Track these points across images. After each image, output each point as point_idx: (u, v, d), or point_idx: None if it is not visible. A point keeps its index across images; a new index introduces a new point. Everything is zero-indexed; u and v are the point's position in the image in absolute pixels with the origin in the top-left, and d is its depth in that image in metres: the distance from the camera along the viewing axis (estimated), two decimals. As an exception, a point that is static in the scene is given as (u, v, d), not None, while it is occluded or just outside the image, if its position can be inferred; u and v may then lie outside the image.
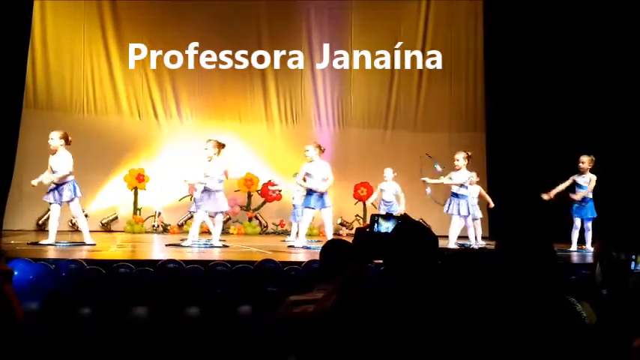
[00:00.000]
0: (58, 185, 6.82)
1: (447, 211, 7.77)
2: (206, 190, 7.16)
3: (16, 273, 3.41)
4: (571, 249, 7.78)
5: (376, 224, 2.29)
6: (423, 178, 7.84)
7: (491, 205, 8.94)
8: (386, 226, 2.28)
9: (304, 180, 7.59)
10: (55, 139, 6.87)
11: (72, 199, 6.87)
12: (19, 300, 2.97)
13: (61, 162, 6.80)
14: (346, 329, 2.26)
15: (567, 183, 7.95)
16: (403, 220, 2.24)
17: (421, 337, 2.11)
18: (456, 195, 7.77)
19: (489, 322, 1.95)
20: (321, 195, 7.41)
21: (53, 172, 6.84)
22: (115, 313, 3.24)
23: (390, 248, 2.15)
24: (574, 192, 7.90)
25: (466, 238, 8.07)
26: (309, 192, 7.46)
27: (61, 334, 3.03)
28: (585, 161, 7.80)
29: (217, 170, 7.21)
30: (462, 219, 7.75)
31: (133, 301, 3.31)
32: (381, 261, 2.26)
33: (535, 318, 1.64)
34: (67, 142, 6.94)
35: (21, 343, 2.67)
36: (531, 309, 1.65)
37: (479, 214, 8.48)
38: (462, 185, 7.70)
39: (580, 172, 7.87)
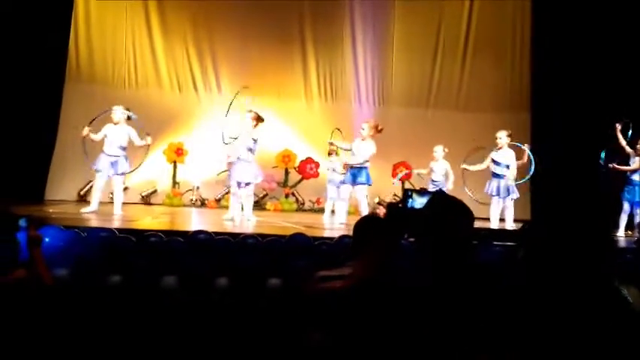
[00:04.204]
0: (112, 157, 7.09)
1: (487, 191, 7.62)
2: (238, 159, 7.21)
3: (47, 240, 3.45)
4: (618, 233, 7.52)
5: (410, 199, 2.19)
6: (464, 166, 7.81)
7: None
8: (420, 202, 2.18)
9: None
10: (120, 113, 7.31)
11: (125, 172, 7.17)
12: (50, 266, 2.99)
13: (123, 134, 7.25)
14: (374, 305, 2.19)
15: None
16: (438, 196, 2.13)
17: (452, 317, 2.02)
18: (496, 175, 7.62)
19: (528, 305, 1.84)
20: (356, 172, 7.37)
21: (110, 140, 7.24)
22: (145, 281, 3.23)
23: (423, 225, 2.04)
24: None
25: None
26: (350, 169, 7.48)
27: (89, 300, 3.04)
28: None
29: (250, 141, 7.23)
30: (501, 199, 7.58)
31: (163, 270, 3.30)
32: (413, 238, 2.17)
33: (580, 302, 1.53)
34: (128, 117, 7.38)
35: (50, 308, 2.67)
36: (577, 293, 1.54)
37: (517, 194, 8.18)
38: (508, 165, 7.57)
39: (635, 154, 7.60)
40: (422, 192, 2.21)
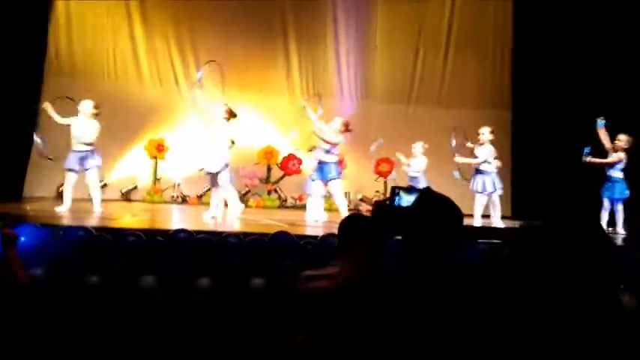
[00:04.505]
0: (80, 152, 6.96)
1: (473, 187, 7.62)
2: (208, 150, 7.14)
3: (23, 239, 3.35)
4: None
5: (397, 197, 2.14)
6: (457, 158, 7.77)
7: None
8: (407, 200, 2.13)
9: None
10: (87, 106, 7.16)
11: (93, 167, 6.99)
12: (25, 265, 2.90)
13: (89, 129, 7.07)
14: (361, 305, 2.14)
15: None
16: (426, 193, 2.08)
17: (438, 316, 1.98)
18: (480, 171, 7.63)
19: (515, 305, 1.81)
20: (324, 166, 7.34)
21: (75, 136, 7.06)
22: (123, 281, 3.14)
23: (411, 223, 1.99)
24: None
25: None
26: (318, 163, 7.44)
27: (66, 300, 2.95)
28: (622, 140, 7.53)
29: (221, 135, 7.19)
30: (486, 196, 7.59)
31: (142, 270, 3.21)
32: (400, 237, 2.12)
33: (575, 302, 1.50)
34: (98, 114, 7.23)
35: (25, 308, 2.59)
36: (573, 294, 1.50)
37: (501, 190, 8.21)
38: (485, 161, 7.56)
39: (614, 150, 7.61)
40: (409, 189, 2.15)
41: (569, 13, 9.76)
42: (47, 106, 7.07)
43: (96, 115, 7.18)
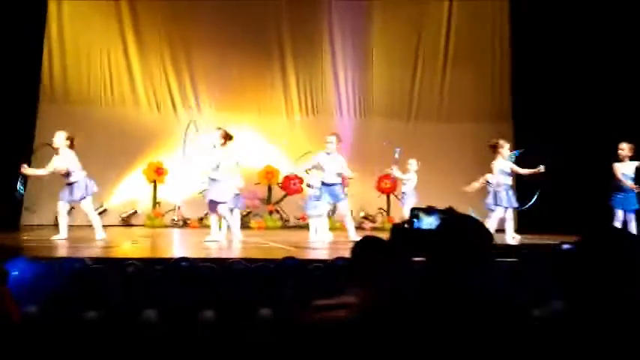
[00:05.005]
0: (70, 184, 6.76)
1: (495, 203, 7.39)
2: (211, 180, 6.96)
3: (15, 273, 3.18)
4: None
5: (417, 219, 1.99)
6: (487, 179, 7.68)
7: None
8: (428, 221, 1.97)
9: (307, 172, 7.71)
10: (60, 138, 6.85)
11: (83, 198, 6.78)
12: (18, 302, 2.73)
13: (61, 161, 6.77)
14: (378, 338, 1.98)
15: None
16: (449, 214, 1.93)
17: (470, 343, 1.83)
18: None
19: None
20: (332, 188, 7.22)
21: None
22: (123, 316, 2.97)
23: (436, 247, 1.83)
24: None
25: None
26: (323, 185, 7.32)
27: (62, 339, 2.77)
28: (625, 148, 7.37)
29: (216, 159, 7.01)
30: (503, 210, 7.41)
31: (143, 303, 3.04)
32: (421, 259, 1.96)
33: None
34: (72, 144, 6.88)
35: (18, 347, 2.40)
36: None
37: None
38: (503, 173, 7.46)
39: (620, 160, 7.43)
40: (429, 210, 1.99)
41: (567, 21, 9.71)
42: (27, 170, 6.89)
43: (70, 145, 6.90)
